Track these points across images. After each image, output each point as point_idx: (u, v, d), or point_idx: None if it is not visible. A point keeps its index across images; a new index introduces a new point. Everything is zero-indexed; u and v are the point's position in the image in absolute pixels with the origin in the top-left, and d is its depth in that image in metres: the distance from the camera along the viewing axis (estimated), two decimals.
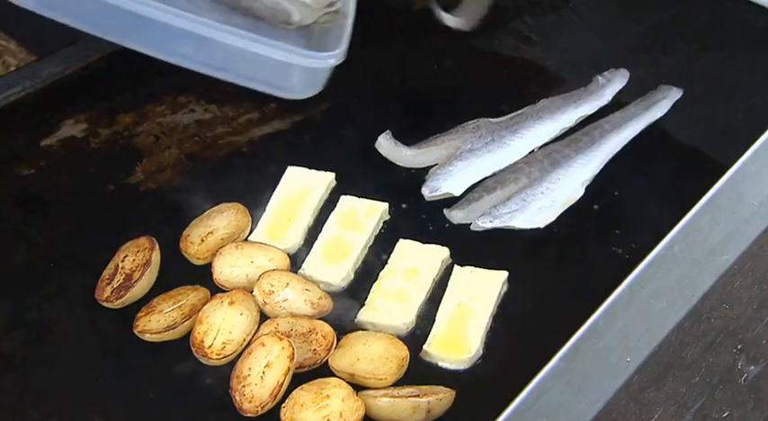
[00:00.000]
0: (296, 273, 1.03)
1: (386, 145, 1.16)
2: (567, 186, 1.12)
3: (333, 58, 1.11)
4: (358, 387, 0.93)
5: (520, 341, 0.98)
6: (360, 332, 0.98)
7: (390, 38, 1.34)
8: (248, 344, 0.95)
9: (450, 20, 1.25)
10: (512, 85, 1.29)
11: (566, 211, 1.10)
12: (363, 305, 1.01)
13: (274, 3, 1.13)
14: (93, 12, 1.11)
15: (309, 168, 1.14)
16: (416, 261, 1.04)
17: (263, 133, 1.22)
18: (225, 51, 1.12)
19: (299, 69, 1.13)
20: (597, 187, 1.13)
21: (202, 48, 1.13)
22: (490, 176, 1.15)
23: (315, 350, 0.96)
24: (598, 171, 1.15)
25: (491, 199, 1.11)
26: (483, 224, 1.08)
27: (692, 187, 1.06)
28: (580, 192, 1.12)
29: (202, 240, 1.06)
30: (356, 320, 1.00)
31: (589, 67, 1.28)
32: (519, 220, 1.09)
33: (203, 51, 1.14)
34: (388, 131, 1.17)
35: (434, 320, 0.99)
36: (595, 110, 1.23)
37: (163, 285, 1.03)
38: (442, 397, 0.91)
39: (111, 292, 1.01)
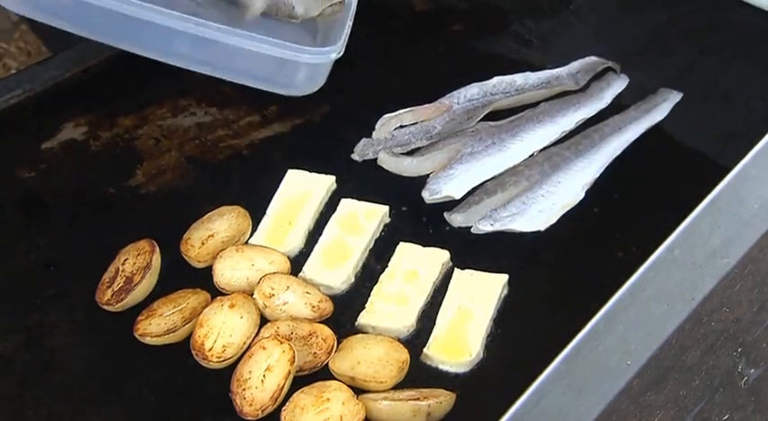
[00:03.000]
0: (296, 276, 1.03)
1: (388, 159, 1.16)
2: (567, 189, 1.12)
3: (333, 52, 1.09)
4: (358, 390, 0.93)
5: (520, 344, 0.98)
6: (360, 335, 0.98)
7: (390, 40, 1.34)
8: (249, 347, 0.95)
9: None
10: None
11: (566, 214, 1.10)
12: (364, 308, 1.01)
13: None
14: (87, 15, 1.10)
15: (310, 171, 1.14)
16: (417, 264, 1.04)
17: (263, 136, 1.22)
18: (223, 50, 1.11)
19: (299, 66, 1.12)
20: (597, 190, 1.13)
21: (200, 47, 1.13)
22: (490, 179, 1.15)
23: (315, 353, 0.95)
24: (598, 174, 1.15)
25: (491, 202, 1.11)
26: (483, 227, 1.08)
27: (693, 190, 1.06)
28: (580, 195, 1.12)
29: (203, 243, 1.06)
30: (356, 323, 1.00)
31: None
32: (519, 223, 1.09)
33: (201, 50, 1.14)
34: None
35: (435, 323, 0.99)
36: (595, 113, 1.23)
37: (163, 288, 1.03)
38: (442, 400, 0.91)
39: (112, 295, 1.01)
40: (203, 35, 1.09)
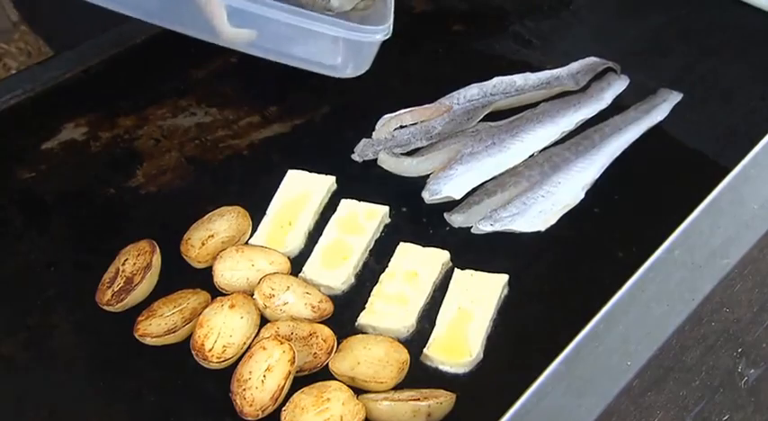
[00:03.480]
0: (296, 276, 1.04)
1: (388, 160, 1.16)
2: (567, 190, 1.12)
3: (379, 32, 1.10)
4: (358, 390, 0.93)
5: (520, 344, 0.98)
6: (360, 335, 0.98)
7: (391, 41, 1.34)
8: (249, 347, 0.95)
9: None
10: None
11: (566, 215, 1.11)
12: (364, 308, 1.01)
13: None
14: None
15: (310, 172, 1.14)
16: (417, 264, 1.04)
17: (263, 136, 1.22)
18: (271, 30, 1.10)
19: (346, 46, 1.11)
20: (597, 190, 1.13)
21: (248, 27, 1.11)
22: (490, 180, 1.15)
23: (315, 353, 0.96)
24: (599, 175, 1.15)
25: (491, 202, 1.11)
26: (483, 227, 1.08)
27: (693, 191, 1.06)
28: (580, 196, 1.12)
29: (203, 244, 1.06)
30: (357, 324, 1.00)
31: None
32: (519, 224, 1.09)
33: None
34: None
35: (435, 324, 0.99)
36: (595, 113, 1.23)
37: (163, 289, 1.03)
38: (442, 400, 0.91)
39: (112, 296, 1.01)
40: (253, 11, 1.06)
